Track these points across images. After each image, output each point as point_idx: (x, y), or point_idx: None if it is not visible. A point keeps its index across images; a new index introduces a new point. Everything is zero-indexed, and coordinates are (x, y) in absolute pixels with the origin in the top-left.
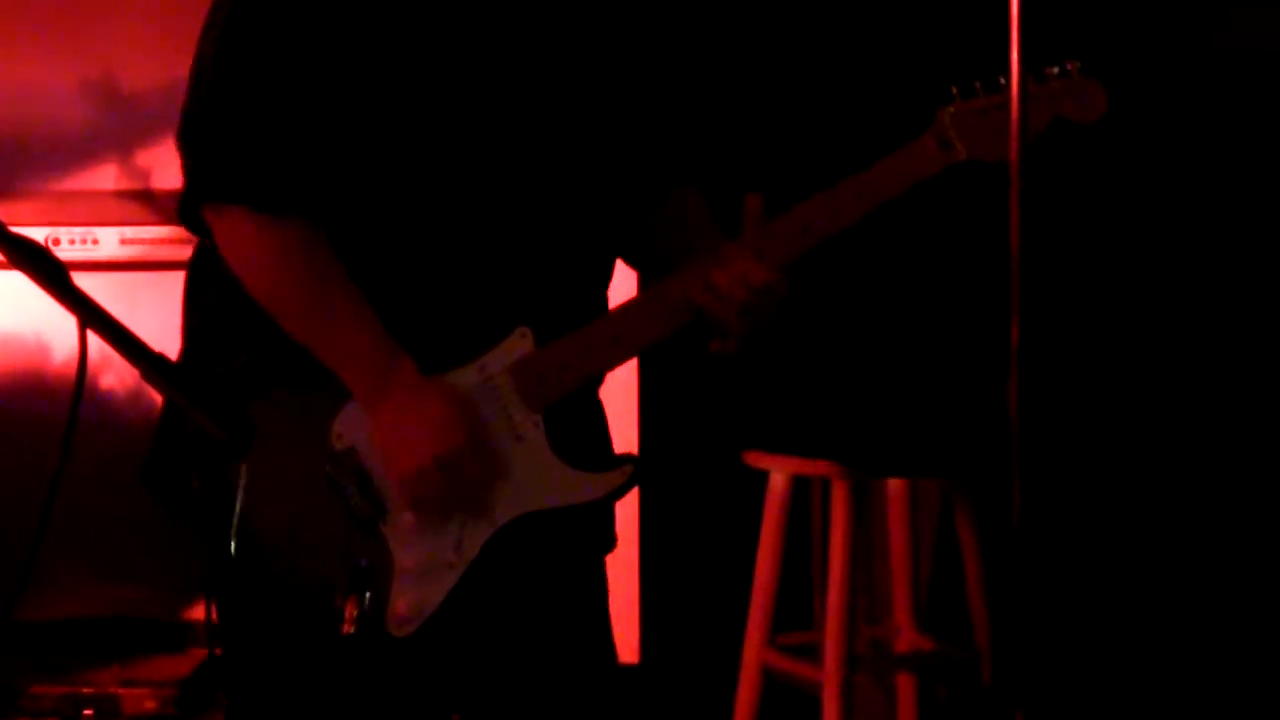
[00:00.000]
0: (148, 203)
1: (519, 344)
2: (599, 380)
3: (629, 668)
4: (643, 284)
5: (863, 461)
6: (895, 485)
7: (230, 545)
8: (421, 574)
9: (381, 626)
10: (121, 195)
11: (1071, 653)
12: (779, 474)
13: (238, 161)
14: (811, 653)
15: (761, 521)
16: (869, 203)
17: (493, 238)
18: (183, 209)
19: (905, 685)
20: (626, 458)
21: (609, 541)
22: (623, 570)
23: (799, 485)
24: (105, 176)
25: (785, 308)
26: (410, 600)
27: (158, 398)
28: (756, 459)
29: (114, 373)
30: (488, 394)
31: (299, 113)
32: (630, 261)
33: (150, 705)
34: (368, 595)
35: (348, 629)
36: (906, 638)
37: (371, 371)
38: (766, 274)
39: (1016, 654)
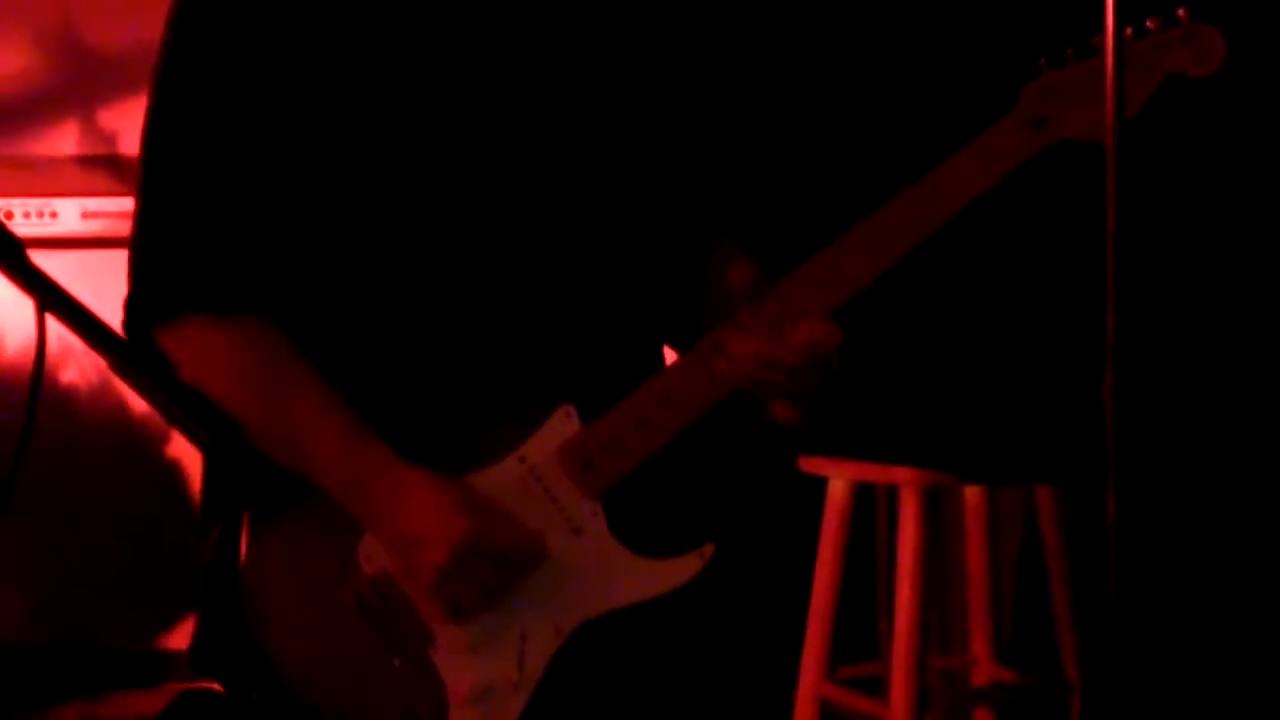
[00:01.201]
0: (113, 170)
1: (563, 424)
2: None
3: None
4: None
5: (938, 466)
6: (973, 494)
7: (266, 695)
8: (481, 700)
9: None
10: (83, 161)
11: (1178, 688)
12: (839, 481)
13: (172, 269)
14: (876, 686)
15: (819, 536)
16: (952, 204)
17: (510, 300)
18: (131, 336)
19: None
20: (703, 536)
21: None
22: None
23: (862, 494)
24: (65, 140)
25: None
26: None
27: (126, 392)
28: (813, 464)
29: (76, 365)
30: (532, 487)
31: (248, 197)
32: (675, 345)
33: None
34: None
35: None
36: (985, 669)
37: (346, 476)
38: (814, 329)
39: (1113, 689)
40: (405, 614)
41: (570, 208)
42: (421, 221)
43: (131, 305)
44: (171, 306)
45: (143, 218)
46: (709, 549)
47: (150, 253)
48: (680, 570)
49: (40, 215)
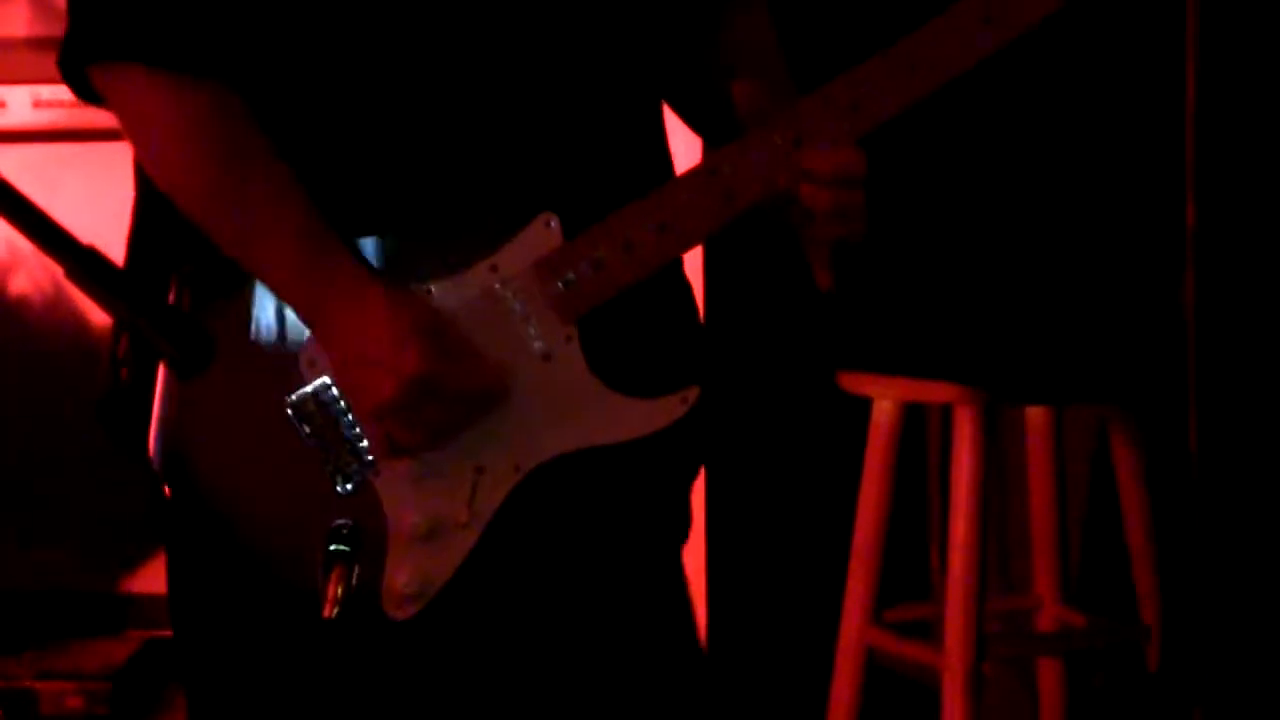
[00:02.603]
0: None
1: (542, 235)
2: (677, 266)
3: None
4: (705, 147)
5: (997, 384)
6: (1037, 415)
7: (181, 508)
8: (425, 538)
9: (375, 607)
10: (35, 44)
11: (1265, 633)
12: (886, 401)
13: (129, 7)
14: (928, 631)
15: (863, 463)
16: (1014, 26)
17: (495, 89)
18: (65, 72)
19: (1049, 673)
20: (691, 377)
21: (692, 468)
22: None
23: (911, 415)
24: (14, 20)
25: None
26: (411, 572)
27: (86, 305)
28: (856, 381)
29: (26, 272)
30: (503, 301)
31: None
32: (680, 111)
33: (75, 703)
34: (355, 568)
35: (330, 611)
36: (1050, 612)
37: (299, 277)
38: (840, 155)
39: (1193, 633)
40: (347, 431)
41: None
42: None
43: (71, 38)
44: (123, 48)
45: None
46: (693, 393)
47: None
48: (660, 413)
49: None
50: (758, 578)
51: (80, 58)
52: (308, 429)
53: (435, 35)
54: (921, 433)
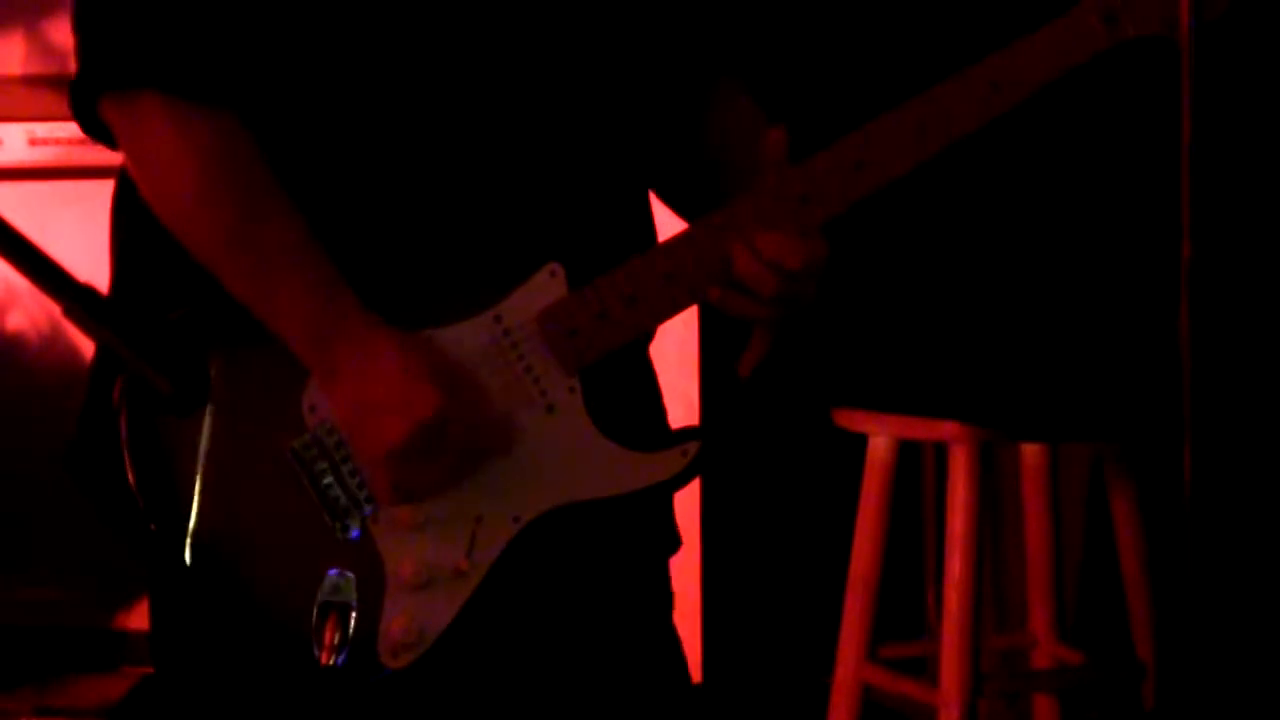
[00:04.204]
0: (63, 91)
1: (547, 286)
2: (650, 333)
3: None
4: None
5: (992, 421)
6: (1032, 453)
7: (172, 551)
8: (423, 586)
9: (371, 655)
10: (30, 82)
11: (1263, 672)
12: (881, 438)
13: (144, 35)
14: (924, 668)
15: (858, 500)
16: (1014, 93)
17: (502, 143)
18: (76, 107)
19: (1044, 711)
20: (689, 432)
21: (671, 541)
22: (680, 565)
23: (907, 452)
24: (9, 58)
25: (874, 231)
26: (409, 620)
27: (81, 342)
28: (851, 418)
29: (23, 309)
30: (506, 352)
31: None
32: (665, 197)
33: None
34: (352, 615)
35: (326, 659)
36: (1046, 650)
37: (309, 320)
38: (800, 251)
39: (1189, 671)
40: (347, 477)
41: (568, 51)
42: (408, 54)
43: (88, 61)
44: (138, 75)
45: None
46: (693, 447)
47: (122, 9)
48: (661, 466)
49: None
50: (753, 614)
51: (94, 88)
52: (307, 475)
53: (440, 79)
54: (917, 469)
